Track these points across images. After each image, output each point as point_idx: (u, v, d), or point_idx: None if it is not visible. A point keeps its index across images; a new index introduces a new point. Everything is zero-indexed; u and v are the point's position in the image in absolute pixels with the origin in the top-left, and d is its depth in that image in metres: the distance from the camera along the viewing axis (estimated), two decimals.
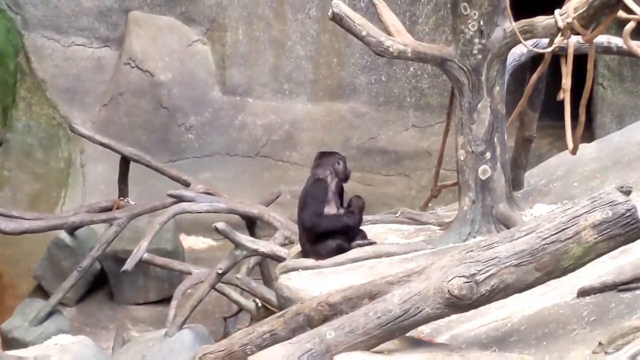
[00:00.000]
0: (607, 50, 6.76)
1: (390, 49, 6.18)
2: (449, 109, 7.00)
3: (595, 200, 3.83)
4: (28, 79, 12.11)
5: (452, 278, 3.89)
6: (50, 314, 9.55)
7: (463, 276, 3.88)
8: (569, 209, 3.87)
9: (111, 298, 10.44)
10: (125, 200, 10.29)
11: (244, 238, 8.16)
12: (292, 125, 12.25)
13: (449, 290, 3.88)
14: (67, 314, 9.97)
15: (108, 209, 10.08)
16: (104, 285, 10.46)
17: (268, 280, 9.42)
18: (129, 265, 8.82)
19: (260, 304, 8.76)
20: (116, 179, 10.43)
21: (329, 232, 5.85)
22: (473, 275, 3.87)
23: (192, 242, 11.25)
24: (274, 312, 5.24)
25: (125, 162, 10.38)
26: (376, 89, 12.20)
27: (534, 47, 6.13)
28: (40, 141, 11.94)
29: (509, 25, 5.93)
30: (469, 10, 5.98)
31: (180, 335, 8.22)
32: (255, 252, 8.16)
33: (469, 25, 6.00)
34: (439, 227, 6.43)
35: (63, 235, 10.13)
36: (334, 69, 12.21)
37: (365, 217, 6.70)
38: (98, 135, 10.66)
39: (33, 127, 11.95)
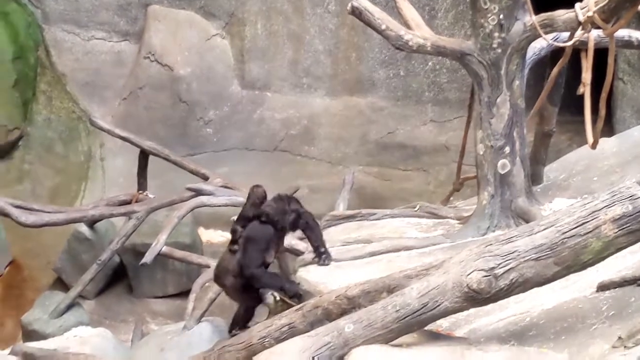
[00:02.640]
0: (627, 44, 6.72)
1: (410, 43, 6.17)
2: (470, 101, 6.99)
3: (615, 195, 3.81)
4: (48, 73, 12.17)
5: (471, 272, 3.88)
6: (70, 307, 9.57)
7: (482, 270, 3.87)
8: (588, 203, 3.86)
9: (130, 291, 10.47)
10: (144, 193, 10.31)
11: None
12: (311, 119, 12.24)
13: (467, 284, 3.88)
14: (86, 306, 10.01)
15: (127, 203, 10.11)
16: (123, 278, 10.49)
17: (286, 274, 9.41)
18: (147, 258, 8.84)
19: (278, 298, 8.76)
20: (135, 173, 10.46)
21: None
22: (492, 269, 3.87)
23: (210, 235, 11.27)
24: (292, 306, 5.26)
25: (144, 155, 10.41)
26: (394, 84, 12.17)
27: (554, 41, 6.11)
28: (60, 135, 11.99)
29: (529, 19, 5.91)
30: (488, 4, 5.97)
31: (198, 328, 8.24)
32: None
33: (489, 19, 5.98)
34: (458, 221, 6.43)
35: (83, 228, 10.17)
36: (352, 63, 12.20)
37: (383, 211, 6.70)
38: (117, 129, 10.68)
39: (53, 121, 12.00)
